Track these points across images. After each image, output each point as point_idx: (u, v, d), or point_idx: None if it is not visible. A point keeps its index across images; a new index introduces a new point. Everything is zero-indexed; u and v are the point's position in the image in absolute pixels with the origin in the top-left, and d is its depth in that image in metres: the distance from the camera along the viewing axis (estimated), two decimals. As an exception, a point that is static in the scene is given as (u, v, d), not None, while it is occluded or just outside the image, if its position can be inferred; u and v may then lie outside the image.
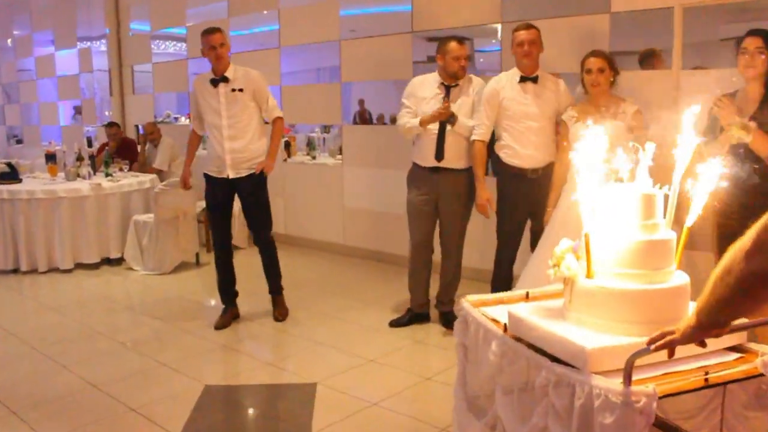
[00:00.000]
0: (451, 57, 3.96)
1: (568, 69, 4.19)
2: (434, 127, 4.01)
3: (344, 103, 6.26)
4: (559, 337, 1.75)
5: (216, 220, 4.40)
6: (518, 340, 1.91)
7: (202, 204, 6.34)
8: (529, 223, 4.03)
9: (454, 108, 3.98)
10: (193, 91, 4.34)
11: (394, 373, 3.57)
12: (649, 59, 4.22)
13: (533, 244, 3.92)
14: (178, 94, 8.42)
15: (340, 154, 6.52)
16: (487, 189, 3.98)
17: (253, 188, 4.29)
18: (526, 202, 3.91)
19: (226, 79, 4.18)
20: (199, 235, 6.27)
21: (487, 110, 3.93)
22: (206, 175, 4.32)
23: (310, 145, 7.27)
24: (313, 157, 7.12)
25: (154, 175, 6.62)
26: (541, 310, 1.95)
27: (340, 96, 6.22)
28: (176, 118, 8.61)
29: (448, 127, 3.98)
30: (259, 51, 6.84)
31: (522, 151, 3.86)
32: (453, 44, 3.97)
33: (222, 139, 4.19)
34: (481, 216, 4.08)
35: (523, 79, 3.88)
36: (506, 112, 3.89)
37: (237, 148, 4.21)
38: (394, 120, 6.00)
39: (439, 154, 4.02)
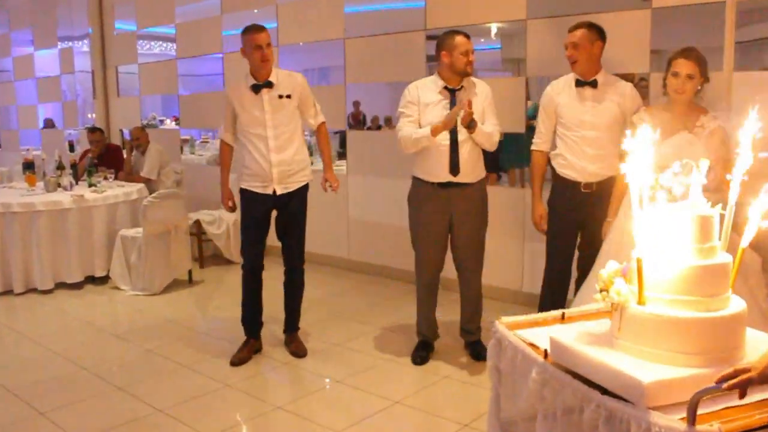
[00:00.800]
0: (460, 52, 3.51)
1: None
2: (444, 137, 3.54)
3: (348, 106, 5.82)
4: (610, 368, 1.62)
5: (255, 239, 3.87)
6: (560, 367, 1.78)
7: (194, 217, 5.96)
8: (577, 241, 3.64)
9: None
10: (228, 100, 3.85)
11: (428, 419, 3.13)
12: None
13: (580, 265, 3.55)
14: (165, 96, 7.97)
15: (339, 159, 6.06)
16: (541, 205, 3.66)
17: (299, 204, 3.89)
18: (575, 215, 3.53)
19: (270, 84, 3.72)
20: (192, 250, 5.79)
21: (543, 119, 3.60)
22: (244, 191, 3.85)
23: (308, 150, 6.79)
24: (311, 163, 6.64)
25: (141, 185, 6.12)
26: (585, 335, 1.81)
27: (345, 98, 5.78)
28: (161, 121, 8.15)
29: (460, 137, 3.53)
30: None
31: (575, 162, 3.48)
32: (460, 38, 3.53)
33: (267, 151, 3.74)
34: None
35: (579, 84, 3.47)
36: (560, 120, 3.53)
37: (285, 160, 3.77)
38: (388, 121, 5.65)
39: (455, 168, 3.56)
